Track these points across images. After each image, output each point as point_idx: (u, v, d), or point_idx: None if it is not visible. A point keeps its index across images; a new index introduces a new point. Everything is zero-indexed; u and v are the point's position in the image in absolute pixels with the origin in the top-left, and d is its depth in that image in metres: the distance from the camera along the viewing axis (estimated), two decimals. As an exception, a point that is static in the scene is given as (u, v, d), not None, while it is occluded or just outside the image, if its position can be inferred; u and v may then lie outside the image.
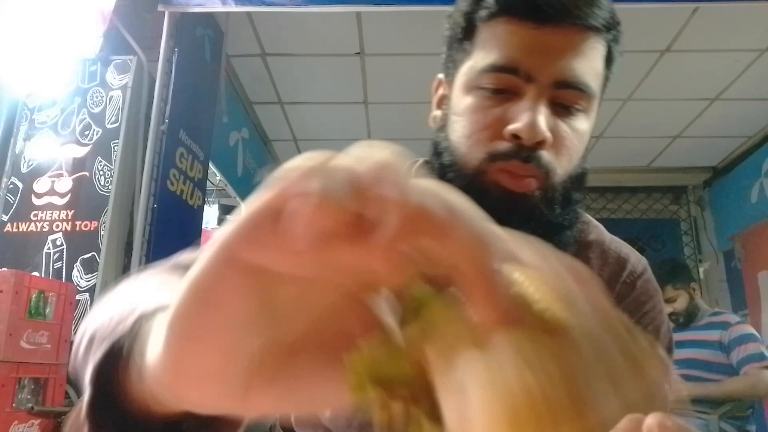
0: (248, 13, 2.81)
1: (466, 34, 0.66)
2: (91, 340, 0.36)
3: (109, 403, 0.30)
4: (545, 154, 0.60)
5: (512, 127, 0.59)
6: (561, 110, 0.62)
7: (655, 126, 3.86)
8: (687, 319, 2.66)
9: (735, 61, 3.18)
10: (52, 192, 2.23)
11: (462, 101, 0.65)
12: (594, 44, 0.62)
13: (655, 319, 0.72)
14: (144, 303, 0.33)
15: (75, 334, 1.84)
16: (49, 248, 2.14)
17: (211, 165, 2.81)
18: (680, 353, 2.54)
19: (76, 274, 2.09)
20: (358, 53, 3.14)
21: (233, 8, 2.52)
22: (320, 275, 0.23)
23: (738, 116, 3.75)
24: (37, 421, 1.57)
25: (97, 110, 2.31)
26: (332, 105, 3.72)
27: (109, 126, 2.28)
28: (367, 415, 0.23)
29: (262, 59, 3.23)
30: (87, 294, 2.07)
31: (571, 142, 0.62)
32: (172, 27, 2.40)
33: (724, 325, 2.61)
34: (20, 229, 2.19)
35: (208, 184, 2.85)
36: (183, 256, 0.54)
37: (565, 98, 0.61)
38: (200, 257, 0.23)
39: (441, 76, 0.72)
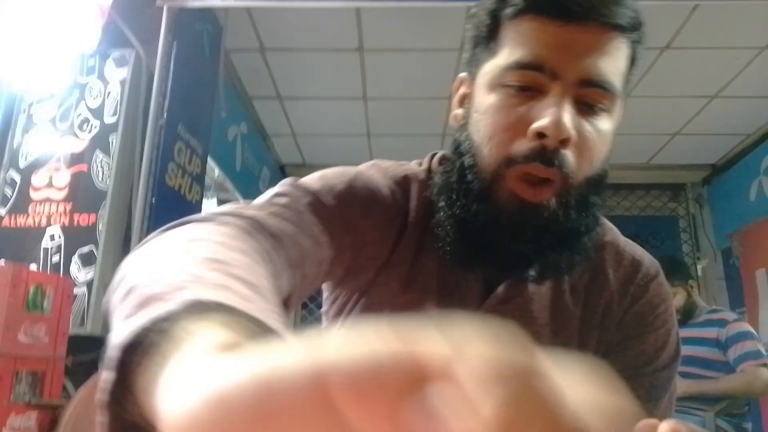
0: (247, 8, 2.81)
1: (491, 32, 0.65)
2: (128, 292, 0.35)
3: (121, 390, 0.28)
4: (568, 155, 0.60)
5: (537, 125, 0.59)
6: (585, 109, 0.62)
7: (655, 123, 3.86)
8: (684, 316, 2.67)
9: (735, 58, 3.18)
10: (50, 185, 2.23)
11: (485, 99, 0.65)
12: (619, 44, 0.62)
13: (666, 321, 0.73)
14: (190, 280, 0.32)
15: (72, 327, 1.84)
16: (47, 242, 2.14)
17: (209, 159, 2.81)
18: (677, 350, 2.55)
19: (75, 267, 2.10)
20: (358, 49, 3.14)
21: (232, 3, 2.51)
22: None
23: (737, 114, 3.75)
24: (34, 414, 1.58)
25: (95, 104, 2.31)
26: (331, 100, 3.72)
27: (107, 120, 2.27)
28: None
29: (261, 54, 3.22)
30: (85, 287, 2.07)
31: (594, 142, 0.62)
32: (171, 21, 2.39)
33: (722, 323, 2.61)
34: (18, 223, 2.19)
35: (207, 178, 2.85)
36: (227, 209, 0.54)
37: (589, 97, 0.61)
38: (281, 358, 0.20)
39: (463, 74, 0.72)
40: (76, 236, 2.14)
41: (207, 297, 0.31)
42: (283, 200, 0.61)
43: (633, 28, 0.63)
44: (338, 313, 0.77)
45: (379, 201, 0.70)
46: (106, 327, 1.80)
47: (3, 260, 1.95)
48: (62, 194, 2.20)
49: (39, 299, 1.66)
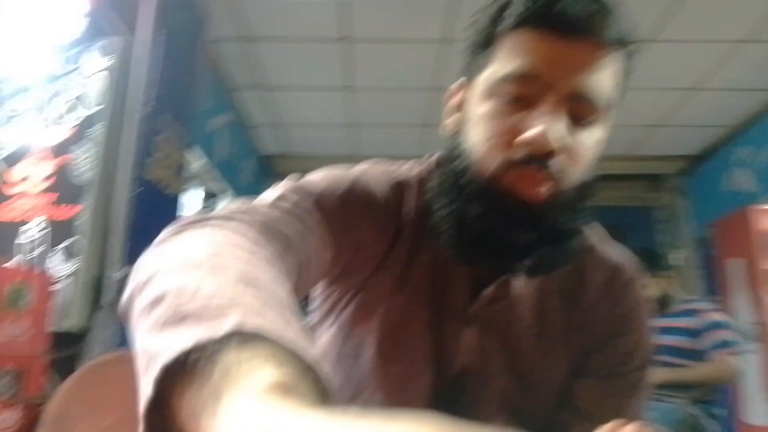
0: (230, -2, 2.79)
1: (489, 42, 0.67)
2: (157, 300, 0.36)
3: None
4: (557, 163, 0.62)
5: (523, 136, 0.62)
6: (577, 120, 0.64)
7: (635, 115, 3.91)
8: (660, 306, 2.73)
9: (715, 51, 3.22)
10: (31, 177, 2.21)
11: (480, 108, 0.67)
12: (614, 58, 0.64)
13: (639, 327, 0.77)
14: (227, 303, 0.34)
15: (54, 322, 1.82)
16: (28, 234, 2.13)
17: (193, 150, 2.80)
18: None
19: (57, 260, 2.09)
20: (342, 39, 3.14)
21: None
22: None
23: (717, 106, 3.81)
24: (16, 411, 1.59)
25: (78, 94, 2.28)
26: (315, 91, 3.71)
27: (90, 110, 2.26)
28: None
29: (244, 44, 3.21)
30: (67, 280, 2.06)
31: (583, 152, 0.65)
32: (153, 11, 2.37)
33: (695, 313, 2.68)
34: (-1, 215, 2.18)
35: (190, 168, 2.84)
36: (239, 208, 0.56)
37: (581, 109, 0.63)
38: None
39: (459, 82, 0.74)
40: (58, 228, 2.13)
41: (249, 325, 0.32)
42: (290, 201, 0.63)
43: (627, 43, 0.66)
44: (329, 311, 0.80)
45: (378, 204, 0.73)
46: (89, 321, 1.78)
47: (-16, 253, 1.94)
48: (44, 186, 2.19)
49: (19, 296, 1.66)
